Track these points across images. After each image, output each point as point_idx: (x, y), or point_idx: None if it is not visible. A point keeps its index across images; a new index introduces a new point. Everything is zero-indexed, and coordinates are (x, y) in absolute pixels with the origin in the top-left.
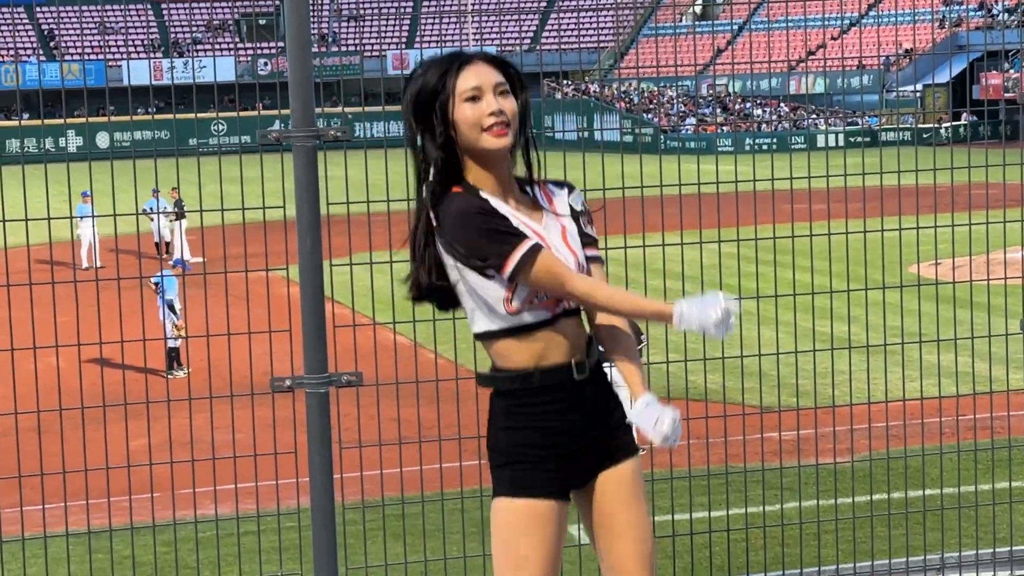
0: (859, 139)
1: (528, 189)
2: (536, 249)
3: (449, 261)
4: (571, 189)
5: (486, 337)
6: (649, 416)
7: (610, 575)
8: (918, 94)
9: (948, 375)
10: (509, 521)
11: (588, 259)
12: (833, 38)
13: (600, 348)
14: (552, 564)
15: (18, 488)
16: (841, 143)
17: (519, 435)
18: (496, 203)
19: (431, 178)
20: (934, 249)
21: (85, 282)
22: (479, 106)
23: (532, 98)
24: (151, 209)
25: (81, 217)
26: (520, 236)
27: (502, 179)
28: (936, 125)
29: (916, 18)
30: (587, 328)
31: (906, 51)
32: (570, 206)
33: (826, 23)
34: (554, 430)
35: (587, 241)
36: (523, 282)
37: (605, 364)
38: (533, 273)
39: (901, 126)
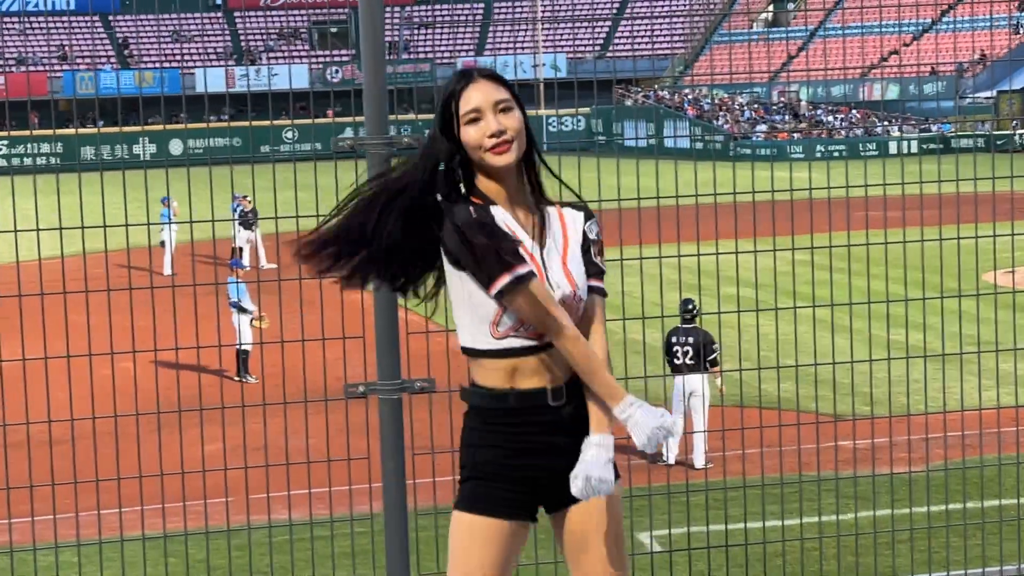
0: (932, 146)
1: (541, 207)
2: (529, 277)
3: (451, 268)
4: (588, 216)
5: (468, 352)
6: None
7: None
8: (992, 100)
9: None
10: (463, 534)
11: (591, 289)
12: (906, 44)
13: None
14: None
15: (95, 492)
16: (914, 150)
17: (487, 452)
18: (504, 217)
19: (450, 183)
20: (1010, 257)
21: (160, 288)
22: (480, 127)
23: (595, 106)
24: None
25: (165, 223)
26: (518, 259)
27: (512, 193)
28: (1011, 132)
29: (990, 24)
30: None
31: (980, 57)
32: (584, 233)
33: (888, 30)
34: (523, 452)
35: (593, 272)
36: (508, 306)
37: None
38: (519, 300)
39: (975, 132)
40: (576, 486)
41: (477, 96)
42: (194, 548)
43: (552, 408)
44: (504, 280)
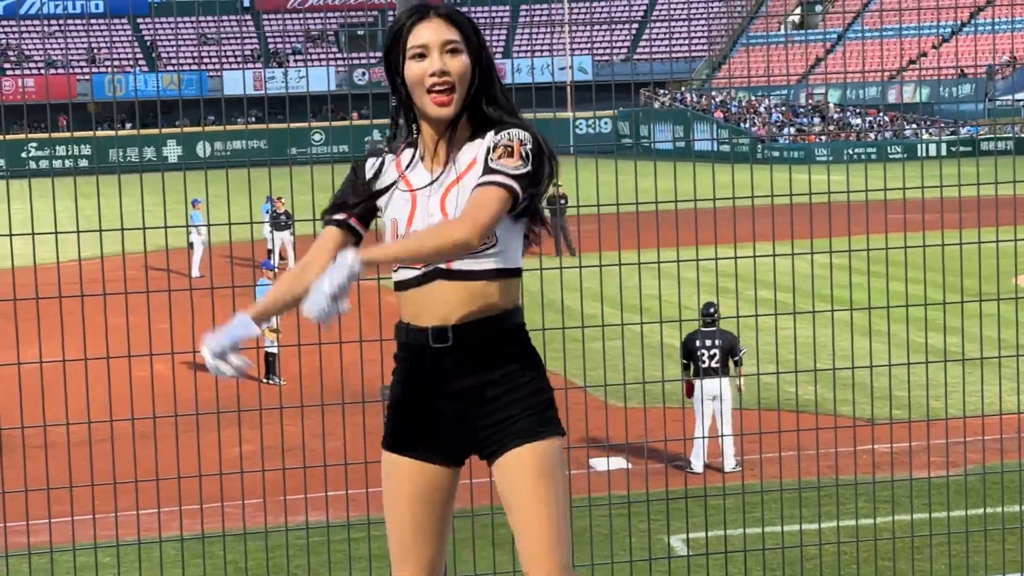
0: (961, 148)
1: (464, 143)
2: (327, 223)
3: None
4: (499, 131)
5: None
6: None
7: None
8: (1022, 103)
9: None
10: (384, 473)
11: (475, 185)
12: (934, 46)
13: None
14: (411, 517)
15: (134, 492)
16: (943, 153)
17: (396, 388)
18: (407, 160)
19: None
20: None
21: (197, 290)
22: (423, 64)
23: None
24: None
25: (194, 226)
26: (336, 207)
27: (434, 139)
28: None
29: (1021, 26)
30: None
31: (1011, 59)
32: (487, 148)
33: (927, 31)
34: (417, 390)
35: (482, 172)
36: None
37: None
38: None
39: (1003, 135)
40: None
41: (426, 33)
42: (229, 549)
43: (435, 349)
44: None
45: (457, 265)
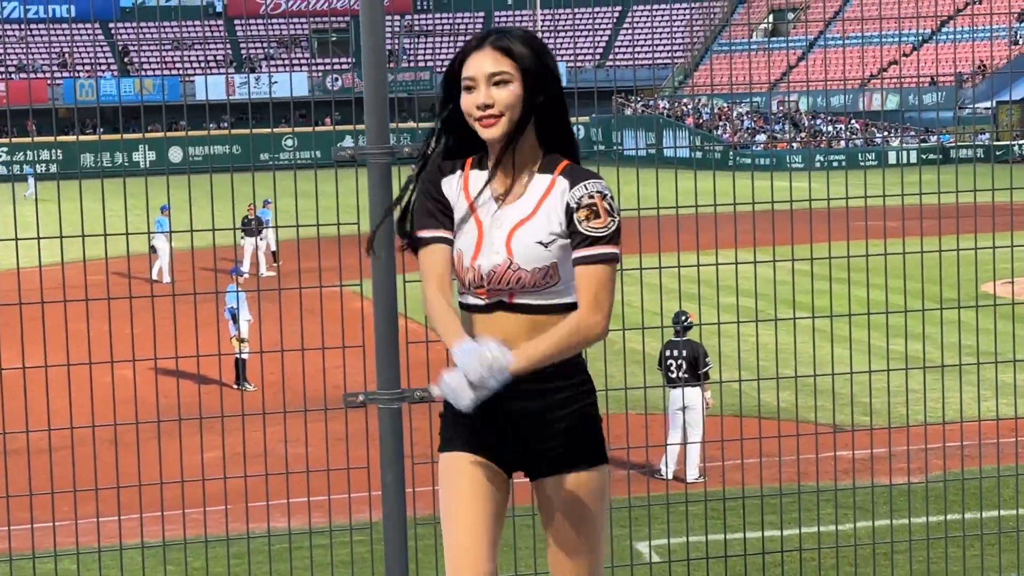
0: (931, 156)
1: (536, 173)
2: (426, 242)
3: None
4: (574, 183)
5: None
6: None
7: None
8: (991, 111)
9: (1023, 394)
10: (442, 471)
11: (577, 261)
12: (906, 54)
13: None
14: (478, 512)
15: (95, 499)
16: (913, 160)
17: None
18: (475, 181)
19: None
20: (1009, 267)
21: (160, 296)
22: (472, 96)
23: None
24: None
25: (159, 232)
26: (423, 223)
27: (500, 161)
28: (1011, 143)
29: (989, 35)
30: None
31: (980, 67)
32: (567, 203)
33: (900, 39)
34: (481, 411)
35: (578, 241)
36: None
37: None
38: (418, 257)
39: (974, 143)
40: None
41: (475, 65)
42: (192, 556)
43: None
44: (416, 236)
45: (520, 299)
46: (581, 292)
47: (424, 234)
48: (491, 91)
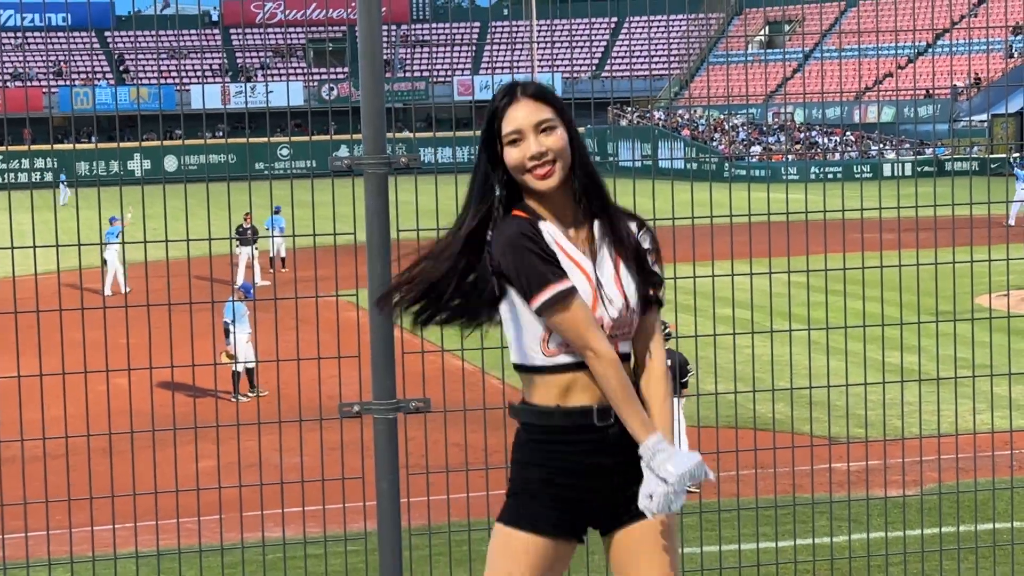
0: (926, 169)
1: (592, 219)
2: (569, 293)
3: (505, 285)
4: (641, 225)
5: (519, 369)
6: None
7: None
8: (986, 124)
9: (1018, 407)
10: (500, 546)
11: (648, 302)
12: (901, 67)
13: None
14: None
15: (89, 508)
16: (908, 172)
17: (533, 470)
18: (552, 232)
19: (496, 204)
20: (1004, 280)
21: (156, 305)
22: (521, 148)
23: (590, 126)
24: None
25: (107, 243)
26: (558, 275)
27: (559, 210)
28: (1006, 156)
29: (985, 47)
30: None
31: (975, 80)
32: (637, 243)
33: (895, 52)
34: (568, 471)
35: (652, 282)
36: (548, 321)
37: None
38: (558, 316)
39: (969, 156)
40: (644, 503)
41: (518, 116)
42: (187, 566)
43: (598, 428)
44: (544, 296)
45: (622, 348)
46: (655, 338)
47: (567, 284)
48: (540, 139)
